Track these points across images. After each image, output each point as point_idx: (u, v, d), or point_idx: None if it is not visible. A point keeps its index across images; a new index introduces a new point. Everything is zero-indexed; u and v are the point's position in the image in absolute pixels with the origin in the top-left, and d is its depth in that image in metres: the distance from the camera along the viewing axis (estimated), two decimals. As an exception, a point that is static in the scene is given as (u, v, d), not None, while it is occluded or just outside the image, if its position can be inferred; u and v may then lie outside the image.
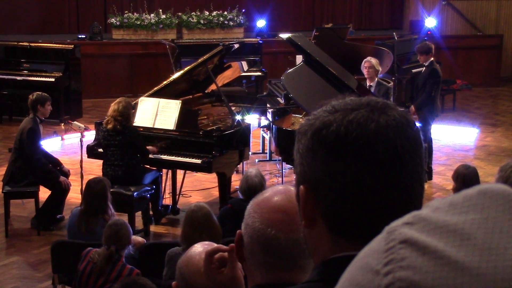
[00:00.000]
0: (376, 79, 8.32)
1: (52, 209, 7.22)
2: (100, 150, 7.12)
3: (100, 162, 7.14)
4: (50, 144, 9.71)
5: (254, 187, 5.31)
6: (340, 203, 1.08)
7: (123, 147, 6.75)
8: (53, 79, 11.32)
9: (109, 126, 6.77)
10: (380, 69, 8.47)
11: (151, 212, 7.21)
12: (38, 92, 7.38)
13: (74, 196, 7.55)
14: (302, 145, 1.13)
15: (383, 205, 1.06)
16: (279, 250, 1.55)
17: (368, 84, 8.28)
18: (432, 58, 8.65)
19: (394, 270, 0.70)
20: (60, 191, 7.17)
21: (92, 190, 5.51)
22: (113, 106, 6.80)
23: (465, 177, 5.20)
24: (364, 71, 8.31)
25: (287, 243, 1.55)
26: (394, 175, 1.06)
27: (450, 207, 0.74)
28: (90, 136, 7.76)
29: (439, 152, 9.77)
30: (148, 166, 7.16)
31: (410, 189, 1.08)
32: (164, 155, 7.03)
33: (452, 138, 10.65)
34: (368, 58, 8.36)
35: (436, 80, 8.55)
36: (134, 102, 7.24)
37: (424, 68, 8.78)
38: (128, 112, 6.79)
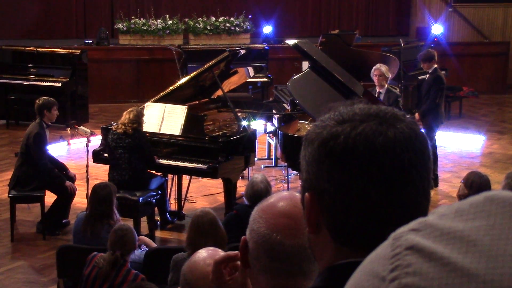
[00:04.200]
0: (386, 86, 8.31)
1: (58, 214, 7.23)
2: (106, 155, 7.14)
3: (106, 167, 7.15)
4: (56, 149, 9.73)
5: (259, 193, 5.30)
6: (344, 214, 1.08)
7: (131, 150, 6.76)
8: (59, 84, 11.35)
9: (119, 131, 6.81)
10: (390, 76, 8.46)
11: (157, 218, 7.22)
12: (44, 97, 7.40)
13: (80, 201, 7.56)
14: (309, 154, 1.12)
15: (387, 219, 1.06)
16: (284, 255, 1.55)
17: (377, 91, 8.27)
18: (435, 65, 8.65)
19: (400, 277, 0.70)
20: (66, 195, 7.18)
21: (98, 195, 5.52)
22: (125, 114, 6.87)
23: (481, 186, 5.13)
24: (374, 79, 8.30)
25: (292, 248, 1.54)
26: (400, 190, 1.05)
27: (456, 213, 0.74)
28: (96, 141, 7.77)
29: (445, 159, 9.75)
30: (154, 172, 7.17)
31: (415, 204, 1.07)
32: (169, 160, 7.04)
33: (458, 145, 10.63)
34: (378, 65, 8.32)
35: (440, 87, 8.54)
36: (141, 107, 7.26)
37: (428, 75, 8.78)
38: (139, 120, 6.83)
